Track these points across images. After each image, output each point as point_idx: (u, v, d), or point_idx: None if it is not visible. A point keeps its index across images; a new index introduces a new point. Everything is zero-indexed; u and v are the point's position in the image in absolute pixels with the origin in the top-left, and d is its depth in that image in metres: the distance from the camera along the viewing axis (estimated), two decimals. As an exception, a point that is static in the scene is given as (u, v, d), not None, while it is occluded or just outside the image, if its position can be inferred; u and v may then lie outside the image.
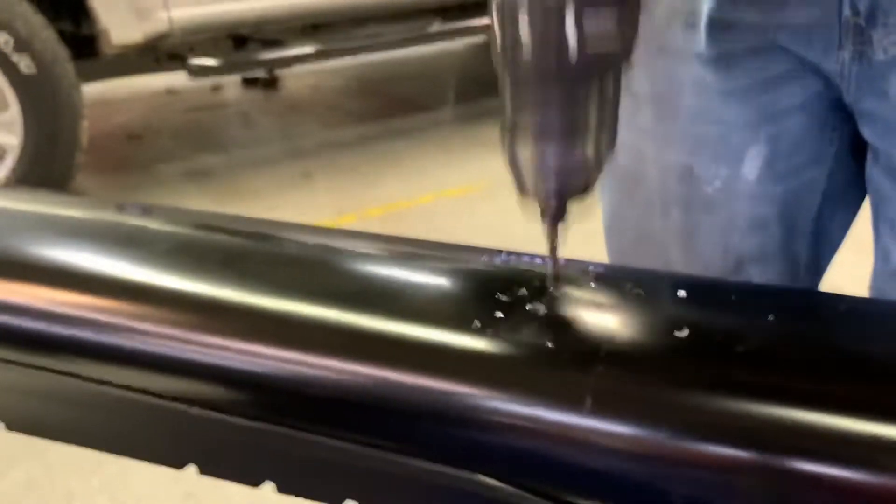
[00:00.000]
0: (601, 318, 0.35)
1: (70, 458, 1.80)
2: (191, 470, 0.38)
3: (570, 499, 0.33)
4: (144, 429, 0.39)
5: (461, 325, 0.35)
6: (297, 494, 0.37)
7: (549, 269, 0.39)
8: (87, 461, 1.79)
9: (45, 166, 2.88)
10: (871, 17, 0.61)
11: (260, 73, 4.57)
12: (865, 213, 0.74)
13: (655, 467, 0.31)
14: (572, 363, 0.33)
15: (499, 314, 0.35)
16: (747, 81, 0.68)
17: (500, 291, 0.37)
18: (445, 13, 3.80)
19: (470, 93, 4.66)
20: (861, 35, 0.62)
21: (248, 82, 4.69)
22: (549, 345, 0.34)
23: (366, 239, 0.43)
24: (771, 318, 0.35)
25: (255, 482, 0.37)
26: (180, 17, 3.13)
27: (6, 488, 1.74)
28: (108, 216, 0.46)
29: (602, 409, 0.32)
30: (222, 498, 1.67)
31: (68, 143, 2.92)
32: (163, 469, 0.39)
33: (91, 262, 0.40)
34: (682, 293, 0.37)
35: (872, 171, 0.69)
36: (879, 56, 0.62)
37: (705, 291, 0.38)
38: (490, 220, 2.97)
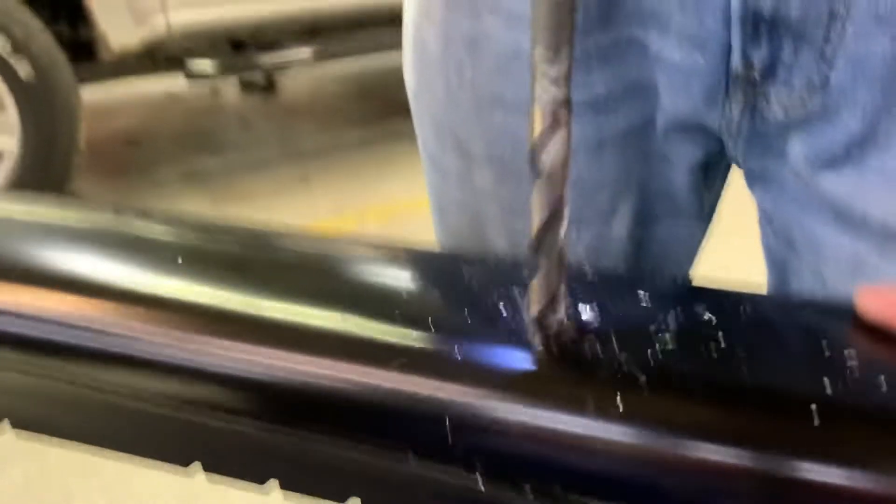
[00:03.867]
0: (604, 319, 0.35)
1: (69, 458, 1.80)
2: (193, 469, 0.39)
3: (573, 501, 0.33)
4: (148, 429, 0.39)
5: (464, 329, 0.35)
6: (302, 492, 0.37)
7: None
8: (86, 461, 1.79)
9: (43, 170, 2.88)
10: (770, 72, 0.49)
11: (258, 77, 4.57)
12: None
13: (658, 471, 0.31)
14: (575, 367, 0.33)
15: (501, 318, 0.36)
16: (623, 125, 0.55)
17: (502, 296, 0.38)
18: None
19: (468, 96, 4.65)
20: (753, 90, 0.50)
21: (247, 86, 4.69)
22: (552, 348, 0.34)
23: (369, 245, 0.43)
24: (775, 323, 0.35)
25: (259, 480, 0.37)
26: (178, 22, 3.13)
27: (4, 488, 1.74)
28: (113, 221, 0.46)
29: (605, 412, 0.32)
30: (222, 498, 1.67)
31: (66, 147, 2.92)
32: (161, 468, 0.39)
33: (96, 266, 0.41)
34: (686, 297, 0.38)
35: (769, 239, 0.58)
36: (778, 115, 0.51)
37: (710, 297, 0.38)
38: (488, 223, 2.96)
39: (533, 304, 0.34)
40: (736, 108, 0.52)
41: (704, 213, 0.64)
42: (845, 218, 0.50)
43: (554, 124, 0.32)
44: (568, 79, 0.31)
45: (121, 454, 0.40)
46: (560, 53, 0.31)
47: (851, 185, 0.49)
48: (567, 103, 0.32)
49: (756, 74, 0.50)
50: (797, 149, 0.51)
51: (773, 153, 0.53)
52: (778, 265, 0.59)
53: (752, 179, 0.57)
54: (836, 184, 0.50)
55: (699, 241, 0.66)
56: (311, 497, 0.37)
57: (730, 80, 0.51)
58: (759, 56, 0.49)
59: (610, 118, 0.55)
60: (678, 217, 0.62)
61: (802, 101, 0.49)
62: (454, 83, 0.58)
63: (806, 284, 0.56)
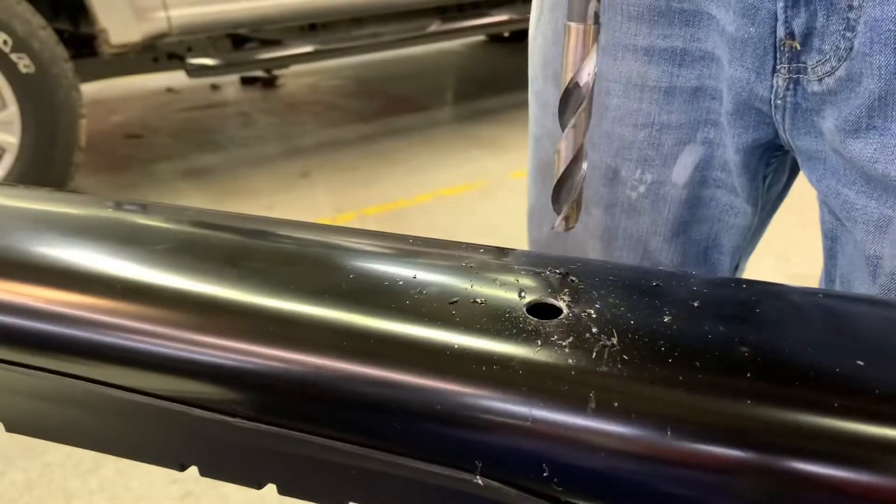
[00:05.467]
0: (605, 317, 0.35)
1: (68, 459, 1.80)
2: (191, 471, 0.38)
3: (572, 500, 0.33)
4: (145, 430, 0.39)
5: (463, 324, 0.35)
6: (299, 496, 0.37)
7: (550, 266, 0.39)
8: (85, 461, 1.80)
9: (44, 165, 2.88)
10: (807, 41, 0.55)
11: (258, 73, 4.57)
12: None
13: (659, 469, 0.31)
14: (576, 363, 0.33)
15: (501, 314, 0.35)
16: (694, 82, 0.63)
17: (502, 290, 0.37)
18: (444, 13, 3.80)
19: (468, 92, 4.66)
20: (797, 60, 0.57)
21: (247, 82, 4.69)
22: (552, 345, 0.34)
23: (367, 237, 0.43)
24: (776, 317, 0.35)
25: (256, 484, 0.37)
26: (179, 17, 3.13)
27: (5, 488, 1.74)
28: (107, 213, 0.45)
29: (606, 410, 0.32)
30: (220, 497, 1.68)
31: (67, 143, 2.92)
32: (161, 469, 0.39)
33: (90, 260, 0.40)
34: (689, 292, 0.37)
35: (823, 214, 0.64)
36: (814, 87, 0.57)
37: (713, 290, 0.38)
38: (488, 218, 2.97)
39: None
40: (781, 80, 0.58)
41: (759, 202, 0.69)
42: (871, 180, 0.55)
43: (585, 39, 0.37)
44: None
45: (118, 457, 0.40)
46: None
47: (875, 148, 0.54)
48: (597, 18, 0.36)
49: (797, 44, 0.56)
50: (830, 122, 0.56)
51: (813, 130, 0.59)
52: (829, 239, 0.64)
53: (802, 160, 0.62)
54: (862, 149, 0.54)
55: (750, 231, 0.71)
56: (309, 502, 0.37)
57: (777, 50, 0.57)
58: (798, 24, 0.55)
59: (683, 71, 0.63)
60: (732, 193, 0.67)
61: (832, 68, 0.55)
62: (560, 25, 0.67)
63: (847, 252, 0.61)
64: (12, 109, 2.81)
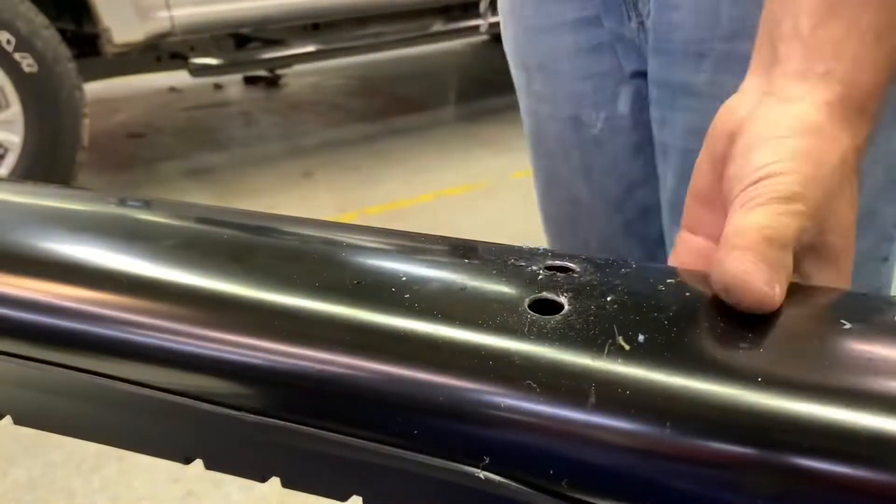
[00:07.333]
0: (607, 312, 0.35)
1: (71, 458, 1.80)
2: (192, 467, 0.38)
3: (575, 495, 0.33)
4: (151, 423, 0.39)
5: (466, 319, 0.35)
6: (303, 490, 0.37)
7: (552, 261, 0.39)
8: (87, 460, 1.80)
9: (47, 165, 2.88)
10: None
11: (261, 72, 4.57)
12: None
13: (661, 464, 0.31)
14: (577, 358, 0.33)
15: (503, 309, 0.36)
16: (608, 37, 0.80)
17: (504, 285, 0.37)
18: (447, 13, 3.81)
19: (471, 92, 4.66)
20: (636, 9, 0.75)
21: (250, 81, 4.70)
22: (553, 340, 0.34)
23: (373, 233, 0.43)
24: (780, 312, 0.35)
25: (260, 477, 0.37)
26: (182, 17, 3.13)
27: (7, 487, 1.74)
28: (114, 209, 0.46)
29: (606, 404, 0.32)
30: (222, 497, 1.68)
31: (70, 142, 2.92)
32: (163, 468, 0.39)
33: (97, 255, 0.40)
34: (691, 288, 0.38)
35: (653, 109, 0.79)
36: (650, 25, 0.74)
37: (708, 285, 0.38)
38: (490, 218, 2.97)
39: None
40: (634, 26, 0.77)
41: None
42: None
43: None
44: None
45: (123, 451, 0.40)
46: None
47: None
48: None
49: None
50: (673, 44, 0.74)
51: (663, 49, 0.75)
52: (658, 127, 0.81)
53: (652, 75, 0.80)
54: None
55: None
56: (312, 495, 0.37)
57: (626, 6, 0.76)
58: None
59: (601, 30, 0.80)
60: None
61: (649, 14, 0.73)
62: (516, 21, 0.88)
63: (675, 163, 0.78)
64: (16, 109, 2.82)
